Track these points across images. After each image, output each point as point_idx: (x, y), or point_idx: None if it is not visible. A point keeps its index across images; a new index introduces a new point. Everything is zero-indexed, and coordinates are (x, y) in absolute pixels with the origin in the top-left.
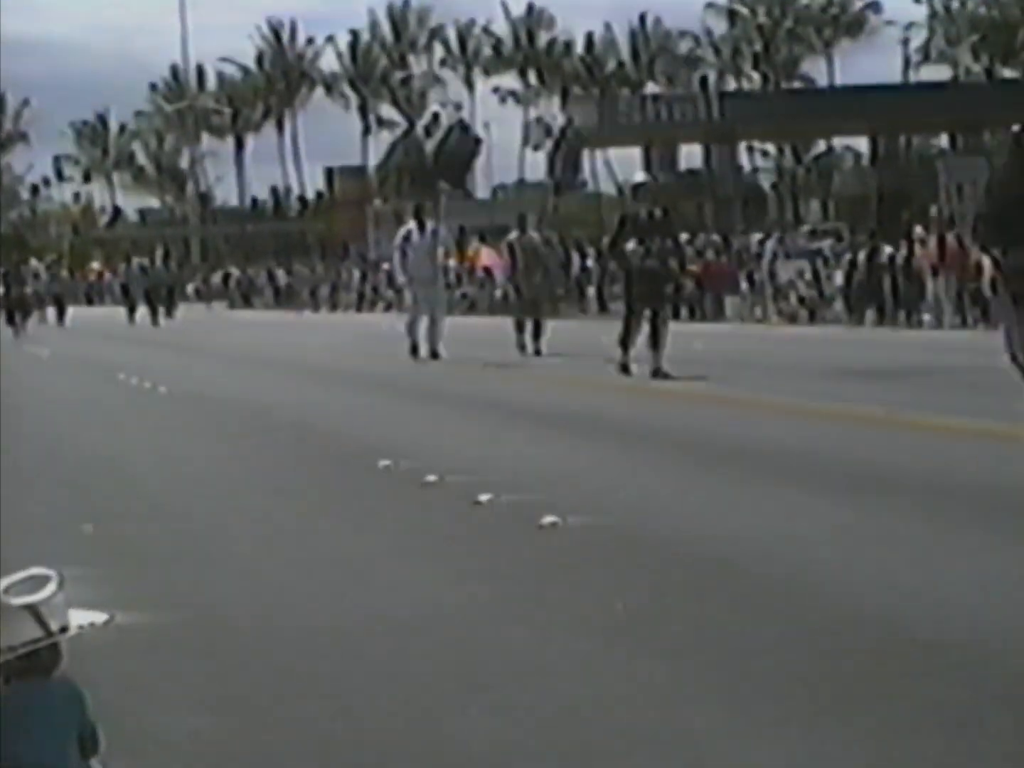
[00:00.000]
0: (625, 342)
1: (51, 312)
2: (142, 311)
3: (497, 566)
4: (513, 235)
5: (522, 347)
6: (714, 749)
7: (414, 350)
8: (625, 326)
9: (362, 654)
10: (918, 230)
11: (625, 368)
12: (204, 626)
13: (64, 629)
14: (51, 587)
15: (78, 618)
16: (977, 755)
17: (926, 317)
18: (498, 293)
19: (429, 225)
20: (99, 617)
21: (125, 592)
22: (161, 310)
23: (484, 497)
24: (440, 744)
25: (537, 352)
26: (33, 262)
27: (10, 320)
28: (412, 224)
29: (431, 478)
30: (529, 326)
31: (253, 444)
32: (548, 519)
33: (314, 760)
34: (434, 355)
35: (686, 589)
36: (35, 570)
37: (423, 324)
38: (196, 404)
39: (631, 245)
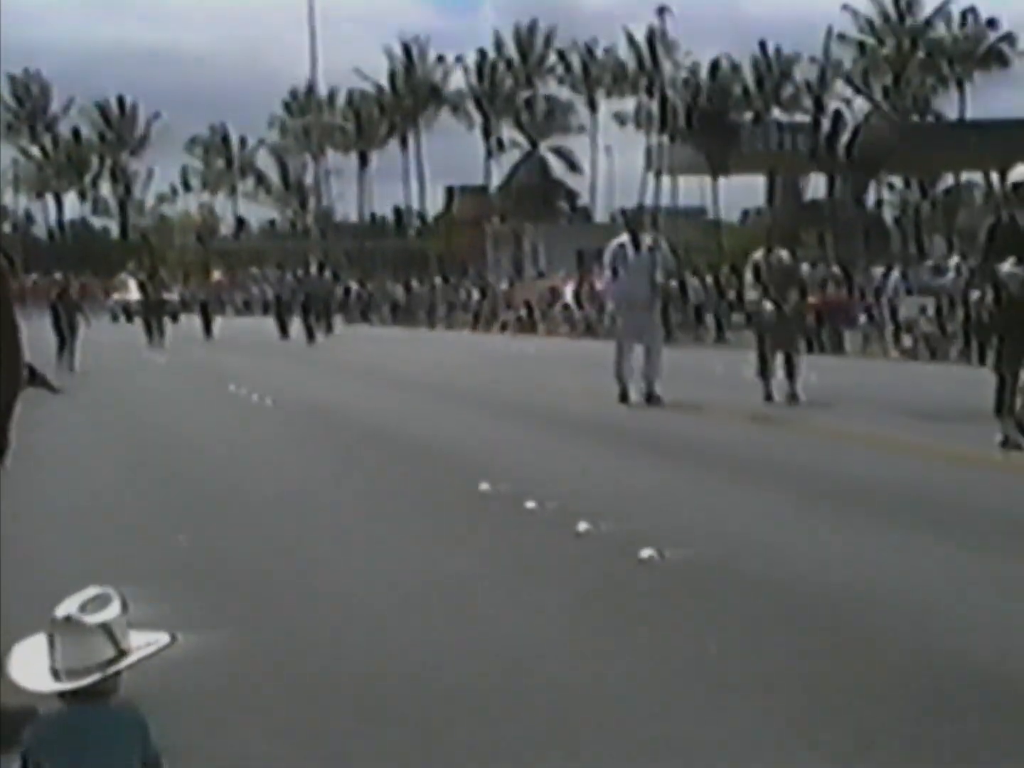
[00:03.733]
0: (1003, 379)
1: (193, 321)
2: (296, 326)
3: (591, 599)
4: (758, 253)
5: (769, 396)
6: None
7: (623, 396)
8: (1002, 361)
9: (453, 689)
10: None
11: None
12: (286, 650)
13: (125, 651)
14: (117, 606)
15: (139, 639)
16: None
17: None
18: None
19: (646, 240)
20: (162, 638)
21: (210, 611)
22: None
23: (583, 527)
24: None
25: (793, 397)
26: (161, 271)
27: (148, 329)
28: (625, 238)
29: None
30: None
31: (377, 463)
32: (646, 552)
33: None
34: (650, 398)
35: (782, 631)
36: (94, 589)
37: (634, 359)
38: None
39: (1007, 266)
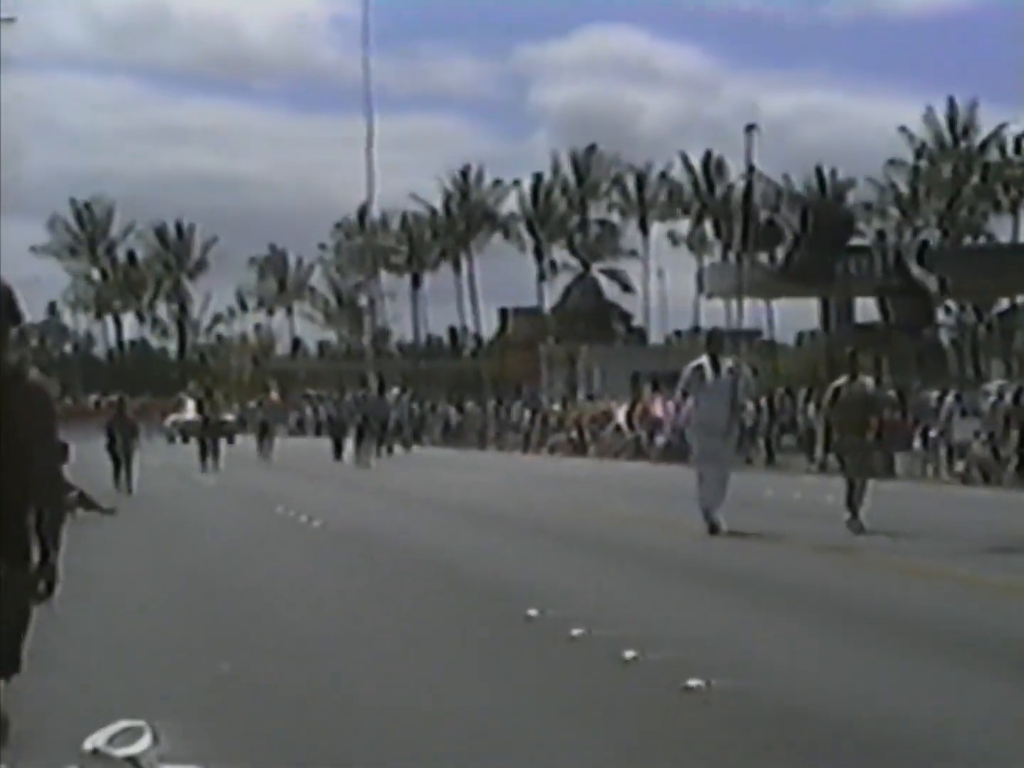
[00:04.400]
0: None
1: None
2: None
3: (634, 731)
4: (841, 380)
5: (854, 515)
6: None
7: (713, 528)
8: None
9: None
10: None
11: None
12: None
13: None
14: (148, 739)
15: None
16: None
17: None
18: (659, 440)
19: (726, 363)
20: None
21: (250, 741)
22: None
23: (629, 654)
24: None
25: (855, 524)
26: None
27: (203, 450)
28: (704, 359)
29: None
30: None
31: (423, 590)
32: (693, 682)
33: None
34: (712, 528)
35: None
36: (125, 722)
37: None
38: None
39: None
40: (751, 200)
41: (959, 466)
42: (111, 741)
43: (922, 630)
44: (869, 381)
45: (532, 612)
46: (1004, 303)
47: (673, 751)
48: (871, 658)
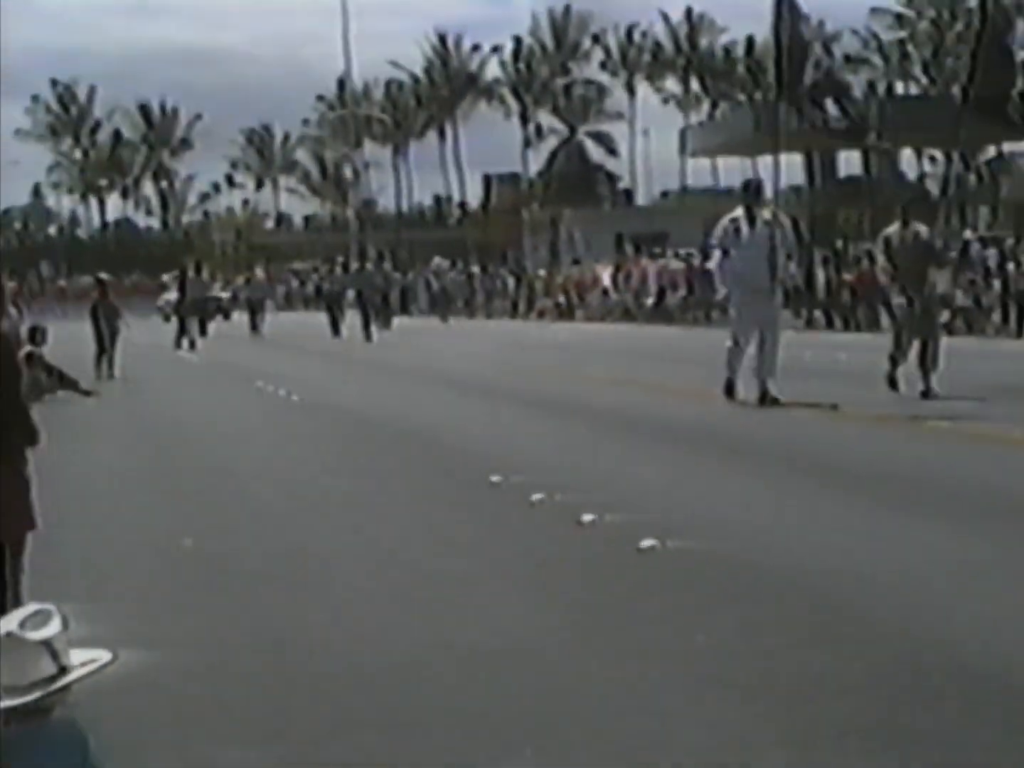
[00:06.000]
0: None
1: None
2: (349, 322)
3: (585, 589)
4: (892, 228)
5: (893, 381)
6: None
7: (729, 389)
8: None
9: (423, 684)
10: None
11: None
12: (272, 641)
13: (66, 668)
14: (58, 623)
15: (80, 657)
16: None
17: None
18: (649, 301)
19: (763, 215)
20: (103, 656)
21: (198, 610)
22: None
23: (587, 517)
24: None
25: (926, 392)
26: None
27: (181, 330)
28: (739, 212)
29: None
30: (913, 353)
31: (396, 458)
32: (648, 542)
33: None
34: (763, 398)
35: (775, 621)
36: (35, 606)
37: (749, 351)
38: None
39: None
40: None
41: (944, 316)
42: (23, 625)
43: (883, 482)
44: (924, 228)
45: (496, 478)
46: (991, 151)
47: (624, 607)
48: (828, 512)
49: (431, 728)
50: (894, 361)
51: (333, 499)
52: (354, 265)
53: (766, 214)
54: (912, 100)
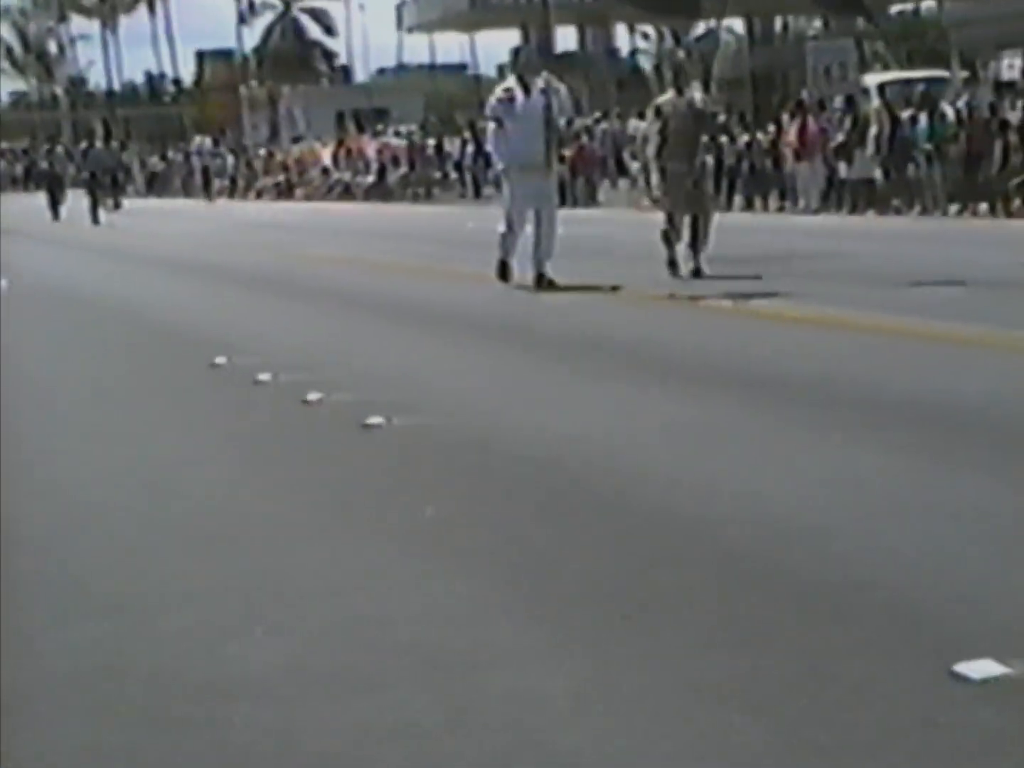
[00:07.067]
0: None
1: None
2: (70, 205)
3: (310, 466)
4: (665, 97)
5: (673, 264)
6: (498, 668)
7: (503, 270)
8: None
9: (150, 570)
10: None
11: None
12: None
13: None
14: None
15: None
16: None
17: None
18: (370, 179)
19: (537, 84)
20: None
21: None
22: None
23: (313, 396)
24: (219, 667)
25: (696, 272)
26: None
27: None
28: (512, 82)
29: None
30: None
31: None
32: (374, 419)
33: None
34: (540, 280)
35: (503, 494)
36: None
37: (525, 230)
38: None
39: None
40: None
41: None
42: None
43: (595, 347)
44: (699, 96)
45: (220, 360)
46: (701, 27)
47: (348, 484)
48: (572, 390)
49: (155, 610)
50: (668, 240)
51: (44, 383)
52: (80, 145)
53: (540, 82)
54: None
